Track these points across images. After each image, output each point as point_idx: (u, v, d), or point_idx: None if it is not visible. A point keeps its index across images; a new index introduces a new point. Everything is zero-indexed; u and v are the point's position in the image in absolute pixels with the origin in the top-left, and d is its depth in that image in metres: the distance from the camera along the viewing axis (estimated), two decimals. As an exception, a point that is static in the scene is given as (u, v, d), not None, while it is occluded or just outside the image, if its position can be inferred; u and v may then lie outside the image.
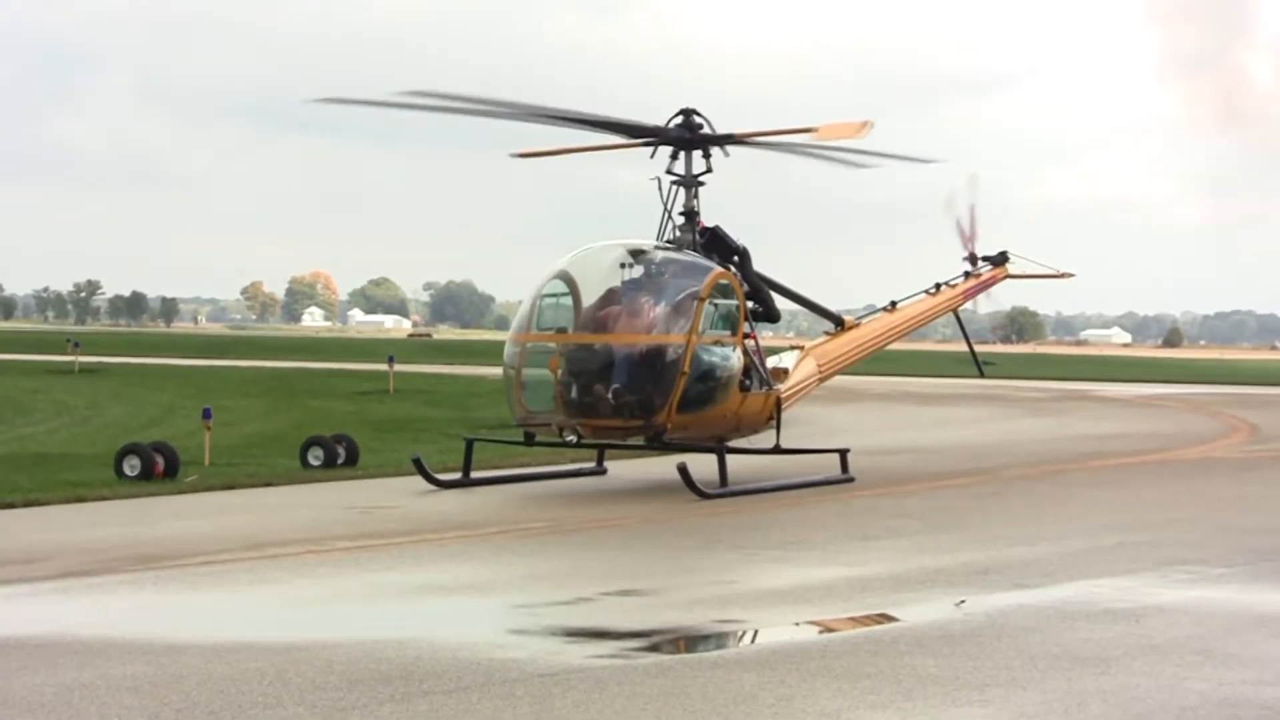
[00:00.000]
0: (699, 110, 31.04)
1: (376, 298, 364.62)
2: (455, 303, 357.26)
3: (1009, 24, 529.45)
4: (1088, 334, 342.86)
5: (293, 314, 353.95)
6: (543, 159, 33.38)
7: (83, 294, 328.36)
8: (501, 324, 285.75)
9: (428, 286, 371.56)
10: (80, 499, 27.10)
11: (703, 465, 28.64)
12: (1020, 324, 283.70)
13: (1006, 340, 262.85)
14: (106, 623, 16.23)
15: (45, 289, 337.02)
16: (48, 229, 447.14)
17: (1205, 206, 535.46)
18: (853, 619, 16.86)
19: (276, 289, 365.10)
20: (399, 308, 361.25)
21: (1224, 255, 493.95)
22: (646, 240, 30.45)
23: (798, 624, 16.60)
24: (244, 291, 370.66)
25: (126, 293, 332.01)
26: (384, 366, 69.41)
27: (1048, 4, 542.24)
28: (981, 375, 50.73)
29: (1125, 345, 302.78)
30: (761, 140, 31.44)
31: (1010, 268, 41.04)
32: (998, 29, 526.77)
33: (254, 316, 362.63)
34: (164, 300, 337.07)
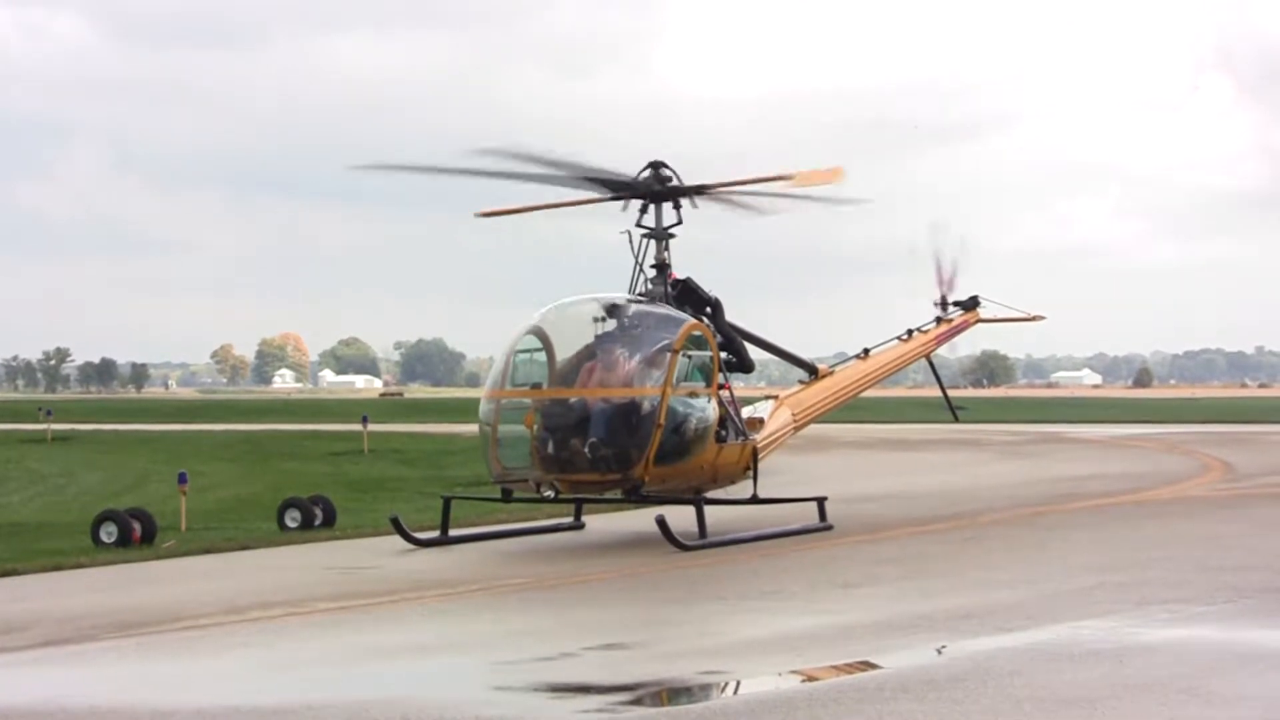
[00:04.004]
0: (667, 163, 31.18)
1: (347, 358, 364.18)
2: (426, 361, 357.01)
3: (976, 72, 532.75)
4: (1058, 376, 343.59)
5: (263, 376, 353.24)
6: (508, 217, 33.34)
7: (52, 361, 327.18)
8: (472, 381, 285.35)
9: (398, 345, 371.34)
10: (58, 567, 27.03)
11: (681, 517, 28.63)
12: (991, 368, 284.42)
13: (978, 384, 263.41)
14: (91, 691, 16.20)
15: (15, 357, 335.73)
16: (14, 297, 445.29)
17: (1172, 247, 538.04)
18: (836, 667, 16.85)
19: (246, 351, 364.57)
20: (370, 367, 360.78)
21: (1192, 295, 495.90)
22: (618, 293, 30.51)
23: (782, 674, 16.59)
24: (214, 355, 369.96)
25: (96, 359, 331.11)
26: (357, 426, 69.19)
27: (1015, 53, 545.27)
28: (956, 420, 50.78)
29: (1096, 386, 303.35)
30: (737, 191, 31.45)
31: (982, 312, 41.14)
32: (965, 78, 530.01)
33: (224, 380, 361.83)
34: (134, 366, 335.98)
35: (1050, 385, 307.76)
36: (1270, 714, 14.15)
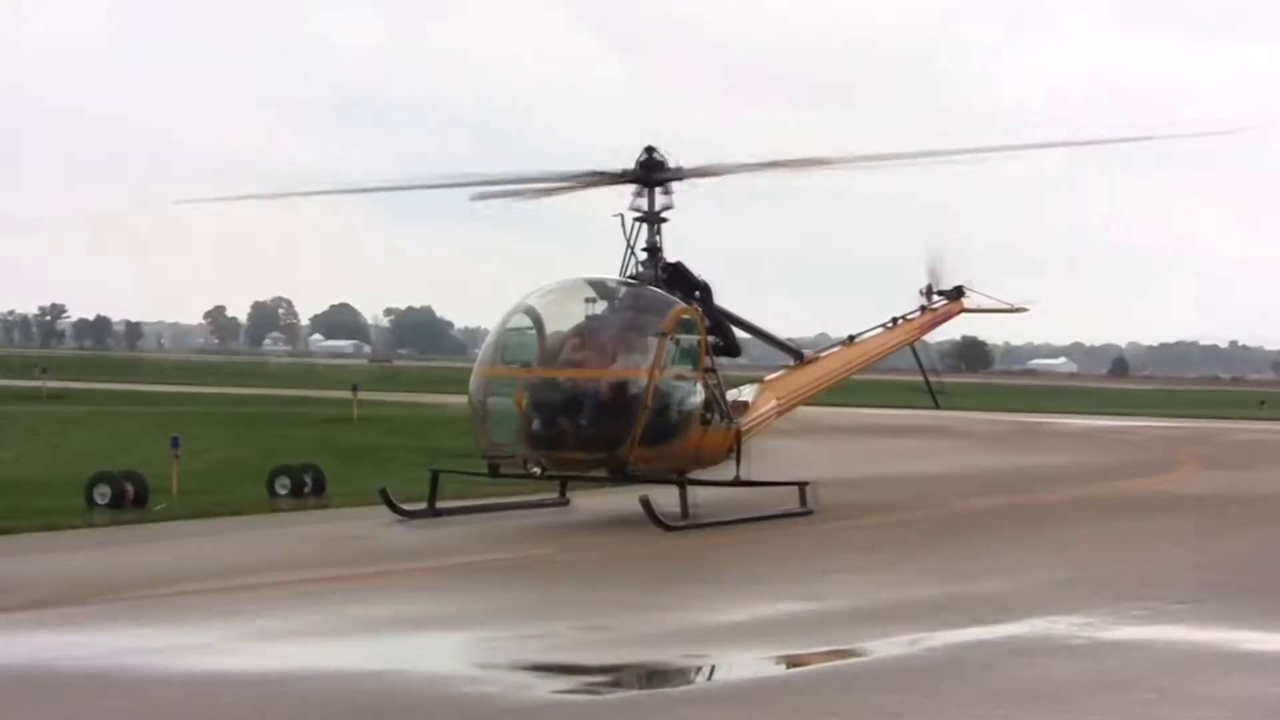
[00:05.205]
0: (657, 148, 31.42)
1: (339, 324, 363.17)
2: (416, 330, 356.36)
3: (964, 55, 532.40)
4: (1035, 364, 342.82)
5: (255, 339, 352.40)
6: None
7: (48, 317, 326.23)
8: (459, 350, 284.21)
9: (389, 313, 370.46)
10: (51, 527, 27.15)
11: (665, 497, 28.90)
12: (973, 354, 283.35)
13: (958, 371, 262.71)
14: (82, 655, 16.38)
15: (11, 312, 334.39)
16: (10, 252, 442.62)
17: (1151, 238, 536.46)
18: (816, 654, 17.12)
19: (238, 313, 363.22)
20: (360, 333, 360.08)
21: (1169, 286, 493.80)
22: (610, 275, 30.80)
23: (762, 659, 16.87)
24: (207, 315, 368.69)
25: (91, 316, 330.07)
26: (347, 394, 69.18)
27: (1007, 39, 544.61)
28: (938, 406, 51.01)
29: (1072, 375, 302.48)
30: (728, 170, 31.71)
31: (966, 302, 41.25)
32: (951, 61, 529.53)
33: (216, 340, 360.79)
34: (128, 324, 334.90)
35: (1028, 372, 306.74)
36: (1240, 715, 14.42)
